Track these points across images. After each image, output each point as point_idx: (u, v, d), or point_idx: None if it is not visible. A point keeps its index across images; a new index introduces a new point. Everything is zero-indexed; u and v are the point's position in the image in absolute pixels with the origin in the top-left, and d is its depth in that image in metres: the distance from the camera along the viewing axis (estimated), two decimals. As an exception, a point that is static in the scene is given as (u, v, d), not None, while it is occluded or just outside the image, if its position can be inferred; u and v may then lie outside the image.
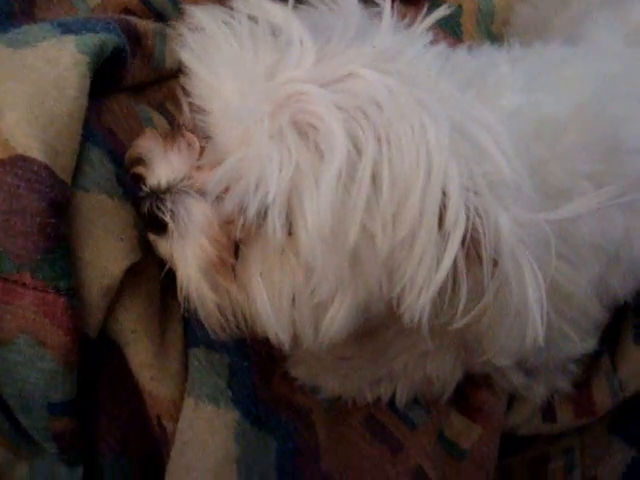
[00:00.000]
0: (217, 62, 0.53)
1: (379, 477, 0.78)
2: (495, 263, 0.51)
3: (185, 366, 0.71)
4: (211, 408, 0.68)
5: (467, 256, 0.51)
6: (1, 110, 0.61)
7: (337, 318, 0.53)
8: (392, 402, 0.80)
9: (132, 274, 0.67)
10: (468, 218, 0.50)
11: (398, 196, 0.49)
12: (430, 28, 0.58)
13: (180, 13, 0.79)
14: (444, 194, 0.49)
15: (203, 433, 0.67)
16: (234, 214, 0.52)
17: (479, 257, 0.51)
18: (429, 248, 0.50)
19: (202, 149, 0.58)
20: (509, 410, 0.87)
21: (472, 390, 0.85)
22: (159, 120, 0.78)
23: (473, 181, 0.51)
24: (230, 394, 0.69)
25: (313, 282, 0.51)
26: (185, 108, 0.58)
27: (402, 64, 0.53)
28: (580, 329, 0.72)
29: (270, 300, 0.54)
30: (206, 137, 0.56)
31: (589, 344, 0.79)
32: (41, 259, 0.59)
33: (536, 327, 0.52)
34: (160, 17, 0.80)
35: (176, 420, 0.68)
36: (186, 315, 0.59)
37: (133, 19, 0.74)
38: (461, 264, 0.51)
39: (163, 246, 0.60)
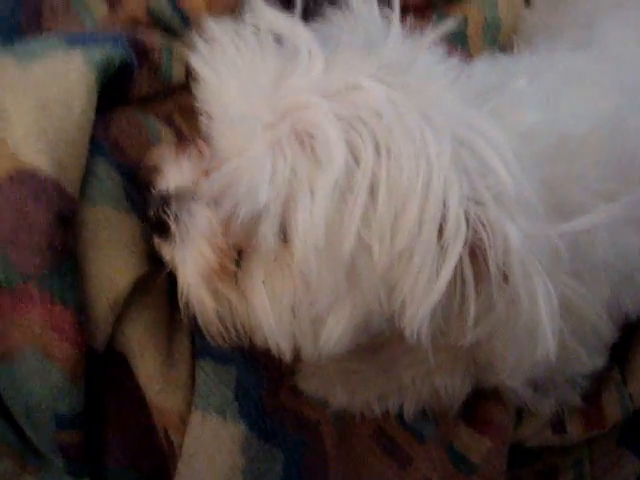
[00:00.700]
0: (223, 68, 0.54)
1: (387, 490, 0.77)
2: (505, 277, 0.50)
3: (192, 378, 0.70)
4: (218, 421, 0.68)
5: (476, 270, 0.51)
6: (8, 124, 0.61)
7: (335, 332, 0.53)
8: (401, 415, 0.80)
9: (139, 286, 0.67)
10: (470, 229, 0.49)
11: (396, 207, 0.48)
12: (437, 40, 0.57)
13: (188, 26, 0.81)
14: (444, 205, 0.49)
15: (210, 446, 0.67)
16: (229, 220, 0.52)
17: (488, 270, 0.51)
18: (428, 260, 0.49)
19: (211, 155, 0.58)
20: (518, 422, 0.86)
21: (481, 403, 0.84)
22: (166, 133, 0.78)
23: (476, 193, 0.50)
24: (237, 407, 0.69)
25: (311, 293, 0.51)
26: (200, 116, 0.58)
27: (409, 76, 0.53)
28: (590, 348, 0.72)
29: (271, 309, 0.54)
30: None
31: (598, 362, 0.78)
32: (48, 272, 0.60)
33: (547, 343, 0.51)
34: (167, 30, 0.80)
35: (183, 433, 0.67)
36: (186, 321, 0.60)
37: (140, 32, 0.74)
38: (469, 278, 0.51)
39: (166, 250, 0.60)
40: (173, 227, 0.58)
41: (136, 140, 0.74)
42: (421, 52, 0.55)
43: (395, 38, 0.55)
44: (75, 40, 0.66)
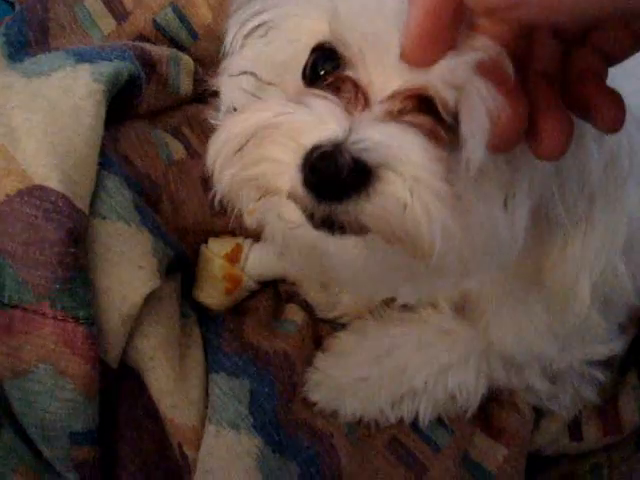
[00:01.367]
0: None
1: (403, 501, 0.77)
2: None
3: (206, 393, 0.70)
4: (232, 435, 0.67)
5: None
6: (18, 140, 0.61)
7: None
8: (415, 424, 0.79)
9: (151, 301, 0.67)
10: None
11: None
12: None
13: (195, 39, 0.81)
14: None
15: (225, 460, 0.67)
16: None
17: None
18: None
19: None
20: (536, 429, 0.85)
21: (496, 410, 0.83)
22: (175, 145, 0.78)
23: None
24: (251, 420, 0.69)
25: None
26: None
27: None
28: (608, 321, 0.71)
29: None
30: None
31: (613, 347, 0.77)
32: (60, 289, 0.60)
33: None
34: (174, 43, 0.81)
35: (197, 448, 0.67)
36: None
37: (147, 46, 0.74)
38: None
39: (368, 205, 0.45)
40: (383, 166, 0.44)
41: (145, 154, 0.74)
42: None
43: None
44: (83, 55, 0.67)
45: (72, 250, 0.60)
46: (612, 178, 0.54)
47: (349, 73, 0.49)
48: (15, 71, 0.66)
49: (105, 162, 0.66)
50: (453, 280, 0.53)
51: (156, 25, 0.79)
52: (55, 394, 0.61)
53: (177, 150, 0.78)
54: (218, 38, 0.80)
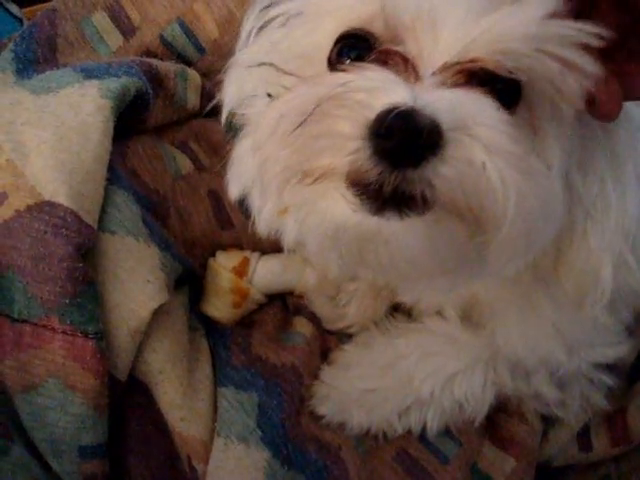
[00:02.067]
0: None
1: (412, 513, 0.76)
2: None
3: (214, 406, 0.70)
4: (241, 448, 0.68)
5: None
6: (27, 156, 0.62)
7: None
8: (423, 436, 0.79)
9: (159, 315, 0.67)
10: None
11: None
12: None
13: (202, 53, 0.81)
14: None
15: (233, 473, 0.67)
16: None
17: None
18: None
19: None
20: (544, 440, 0.85)
21: (504, 420, 0.83)
22: (182, 159, 0.79)
23: None
24: (260, 433, 0.69)
25: None
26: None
27: None
28: (616, 322, 0.71)
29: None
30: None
31: (622, 349, 0.76)
32: (69, 303, 0.60)
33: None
34: (181, 58, 0.81)
35: (206, 461, 0.67)
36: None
37: (154, 61, 0.74)
38: None
39: (443, 169, 0.43)
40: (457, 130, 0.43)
41: (152, 168, 0.74)
42: None
43: None
44: (91, 71, 0.67)
45: (81, 265, 0.60)
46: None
47: (397, 48, 0.48)
48: (24, 88, 0.66)
49: (113, 177, 0.66)
50: (497, 266, 0.51)
51: (163, 40, 0.80)
52: (65, 408, 0.61)
53: (184, 164, 0.79)
54: (225, 53, 0.81)
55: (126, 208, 0.66)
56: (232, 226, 0.81)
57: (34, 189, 0.61)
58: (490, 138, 0.43)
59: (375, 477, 0.75)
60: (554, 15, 0.44)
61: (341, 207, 0.47)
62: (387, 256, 0.49)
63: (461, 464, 0.79)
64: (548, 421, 0.85)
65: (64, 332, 0.60)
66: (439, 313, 0.77)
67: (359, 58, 0.50)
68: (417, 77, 0.46)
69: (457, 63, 0.46)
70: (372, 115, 0.43)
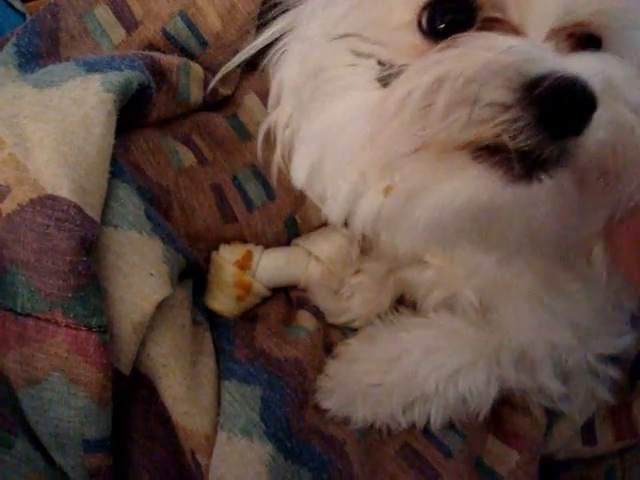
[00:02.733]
0: None
1: (416, 506, 0.76)
2: None
3: (218, 400, 0.70)
4: (244, 442, 0.67)
5: None
6: (29, 150, 0.62)
7: None
8: (427, 429, 0.79)
9: (163, 309, 0.67)
10: None
11: None
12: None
13: (204, 47, 0.81)
14: None
15: (237, 467, 0.66)
16: None
17: None
18: None
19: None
20: (549, 433, 0.85)
21: (508, 414, 0.83)
22: (185, 153, 0.79)
23: None
24: (263, 427, 0.68)
25: None
26: None
27: None
28: (622, 312, 0.71)
29: None
30: None
31: (624, 341, 0.76)
32: (72, 297, 0.60)
33: None
34: (184, 51, 0.81)
35: (210, 455, 0.67)
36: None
37: (157, 55, 0.74)
38: None
39: (601, 133, 0.45)
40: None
41: (155, 162, 0.74)
42: None
43: None
44: (93, 65, 0.67)
45: (84, 259, 0.60)
46: None
47: (498, 15, 0.47)
48: (26, 82, 0.66)
49: (116, 170, 0.66)
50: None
51: (166, 34, 0.79)
52: (68, 402, 0.61)
53: (187, 158, 0.78)
54: (227, 46, 0.81)
55: (129, 202, 0.66)
56: (235, 220, 0.80)
57: (37, 183, 0.61)
58: (635, 100, 0.45)
59: (379, 471, 0.75)
60: None
61: (482, 181, 0.46)
62: (520, 225, 0.48)
63: (465, 458, 0.79)
64: (552, 415, 0.84)
65: (68, 326, 0.60)
66: (449, 305, 0.77)
67: (453, 24, 0.49)
68: None
69: (564, 28, 0.46)
70: (530, 82, 0.42)
